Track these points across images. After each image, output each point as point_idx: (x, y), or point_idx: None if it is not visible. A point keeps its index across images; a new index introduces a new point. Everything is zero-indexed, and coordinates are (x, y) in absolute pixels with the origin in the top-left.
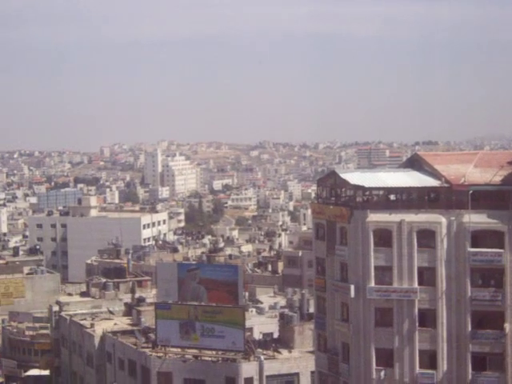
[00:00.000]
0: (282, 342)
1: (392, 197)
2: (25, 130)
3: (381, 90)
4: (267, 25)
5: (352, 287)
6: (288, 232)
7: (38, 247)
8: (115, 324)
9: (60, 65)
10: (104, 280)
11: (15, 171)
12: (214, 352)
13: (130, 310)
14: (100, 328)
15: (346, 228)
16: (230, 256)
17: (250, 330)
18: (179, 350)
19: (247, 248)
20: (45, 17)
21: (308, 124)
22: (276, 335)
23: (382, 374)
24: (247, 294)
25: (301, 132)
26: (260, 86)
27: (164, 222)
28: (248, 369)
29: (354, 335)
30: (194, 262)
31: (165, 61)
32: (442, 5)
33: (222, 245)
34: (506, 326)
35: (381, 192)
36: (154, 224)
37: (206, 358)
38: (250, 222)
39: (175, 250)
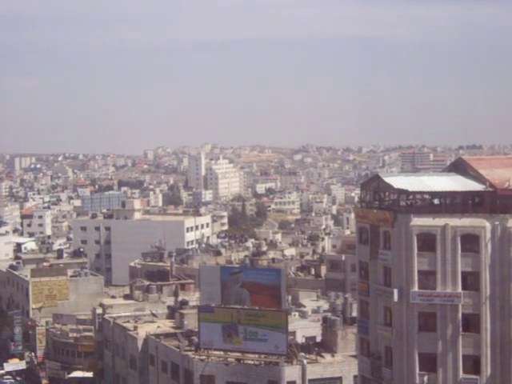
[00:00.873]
0: (324, 345)
1: (436, 201)
2: (69, 134)
3: (425, 94)
4: (309, 27)
5: (395, 291)
6: (331, 236)
7: (81, 250)
8: (158, 327)
9: (104, 68)
10: (147, 283)
11: (60, 174)
12: (256, 355)
13: (173, 312)
14: (143, 331)
15: (389, 232)
16: (273, 259)
17: (293, 333)
18: (222, 353)
19: (290, 252)
20: (92, 20)
21: (352, 127)
22: (319, 339)
23: (426, 378)
24: (290, 297)
25: (344, 136)
26: (303, 89)
27: (207, 225)
28: (290, 372)
29: (397, 340)
30: (237, 266)
31: (206, 64)
32: (483, 8)
33: (265, 248)
34: None
35: (425, 196)
36: (197, 227)
37: (249, 362)
38: (293, 225)
39: (218, 254)
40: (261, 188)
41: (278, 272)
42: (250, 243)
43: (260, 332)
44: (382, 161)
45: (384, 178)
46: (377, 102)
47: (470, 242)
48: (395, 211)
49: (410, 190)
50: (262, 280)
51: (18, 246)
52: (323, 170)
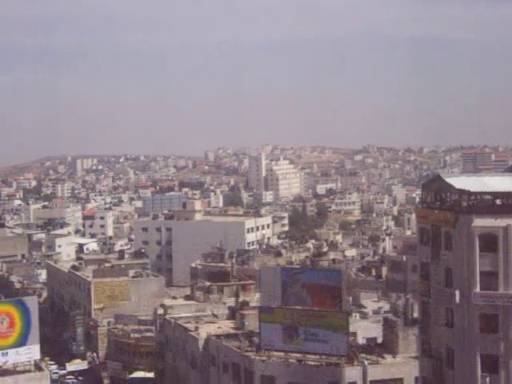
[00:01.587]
0: (385, 347)
1: (498, 201)
2: (131, 135)
3: (484, 93)
4: (374, 27)
5: (457, 292)
6: (392, 236)
7: (143, 251)
8: (219, 327)
9: (167, 69)
10: (208, 283)
11: (121, 175)
12: (316, 356)
13: (233, 313)
14: (204, 331)
15: (450, 233)
16: (334, 260)
17: (354, 334)
18: (282, 353)
19: (351, 252)
20: (153, 21)
21: (412, 128)
22: (379, 340)
23: (488, 380)
24: (351, 298)
25: (405, 136)
26: (363, 89)
27: (268, 226)
28: (351, 374)
29: (458, 341)
30: (297, 266)
31: (266, 65)
32: None
33: (325, 249)
34: None
35: (486, 197)
36: (257, 228)
37: (310, 363)
38: (353, 226)
39: (279, 254)
40: (321, 189)
41: (338, 273)
42: (310, 244)
43: (320, 333)
44: (444, 161)
45: (445, 179)
46: (439, 102)
47: None
48: (456, 212)
49: (471, 190)
50: (322, 281)
51: (80, 246)
52: (384, 171)
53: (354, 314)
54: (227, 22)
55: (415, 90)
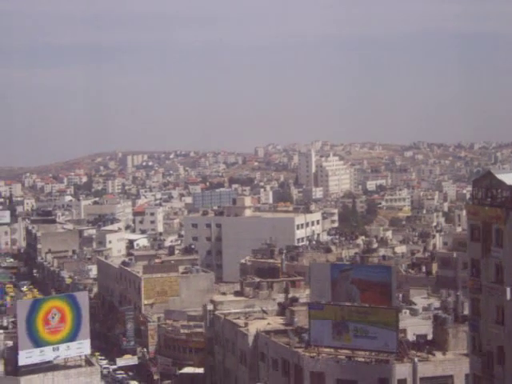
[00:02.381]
0: (435, 343)
1: None
2: (181, 131)
3: None
4: (414, 24)
5: (508, 290)
6: (442, 233)
7: (193, 246)
8: (268, 323)
9: (218, 66)
10: (258, 280)
11: (171, 171)
12: (366, 353)
13: (283, 309)
14: (253, 327)
15: (501, 229)
16: (384, 257)
17: (404, 331)
18: (332, 350)
19: (401, 249)
20: (211, 18)
21: (463, 124)
22: (430, 337)
23: None
24: (401, 295)
25: (456, 132)
26: (413, 85)
27: (318, 222)
28: (401, 370)
29: (509, 338)
30: (347, 263)
31: (315, 62)
32: None
33: (375, 245)
34: None
35: None
36: (307, 224)
37: (359, 359)
38: (403, 222)
39: (328, 251)
40: (371, 185)
41: (388, 269)
42: (360, 240)
43: (370, 329)
44: (494, 157)
45: (496, 175)
46: (490, 98)
47: None
48: (508, 208)
49: None
50: (372, 277)
51: (131, 242)
52: (434, 167)
53: (403, 311)
54: (285, 18)
55: (466, 86)
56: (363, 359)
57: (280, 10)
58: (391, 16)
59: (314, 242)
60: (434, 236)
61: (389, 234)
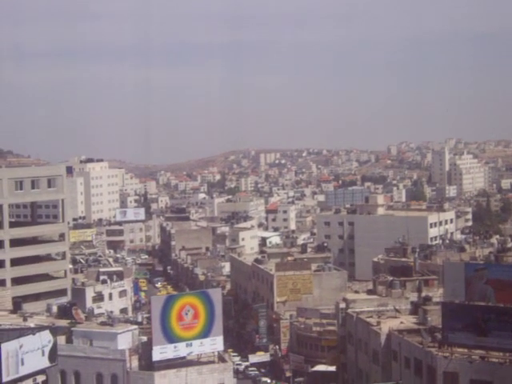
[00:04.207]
0: None
1: None
2: (313, 130)
3: None
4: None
5: None
6: None
7: (325, 244)
8: (401, 322)
9: (344, 63)
10: (390, 278)
11: (304, 169)
12: (501, 353)
13: (416, 308)
14: (386, 326)
15: None
16: None
17: None
18: (466, 350)
19: None
20: (327, 18)
21: None
22: None
23: None
24: None
25: None
26: None
27: (451, 220)
28: None
29: None
30: (481, 262)
31: (447, 58)
32: None
33: (510, 245)
34: None
35: None
36: (440, 223)
37: (493, 360)
38: None
39: (462, 250)
40: (506, 183)
41: None
42: (494, 239)
43: (506, 330)
44: None
45: None
46: None
47: None
48: None
49: None
50: (508, 277)
51: (263, 240)
52: None
53: None
54: (402, 16)
55: None
56: (498, 360)
57: (410, 7)
58: None
59: (447, 241)
60: None
61: None
